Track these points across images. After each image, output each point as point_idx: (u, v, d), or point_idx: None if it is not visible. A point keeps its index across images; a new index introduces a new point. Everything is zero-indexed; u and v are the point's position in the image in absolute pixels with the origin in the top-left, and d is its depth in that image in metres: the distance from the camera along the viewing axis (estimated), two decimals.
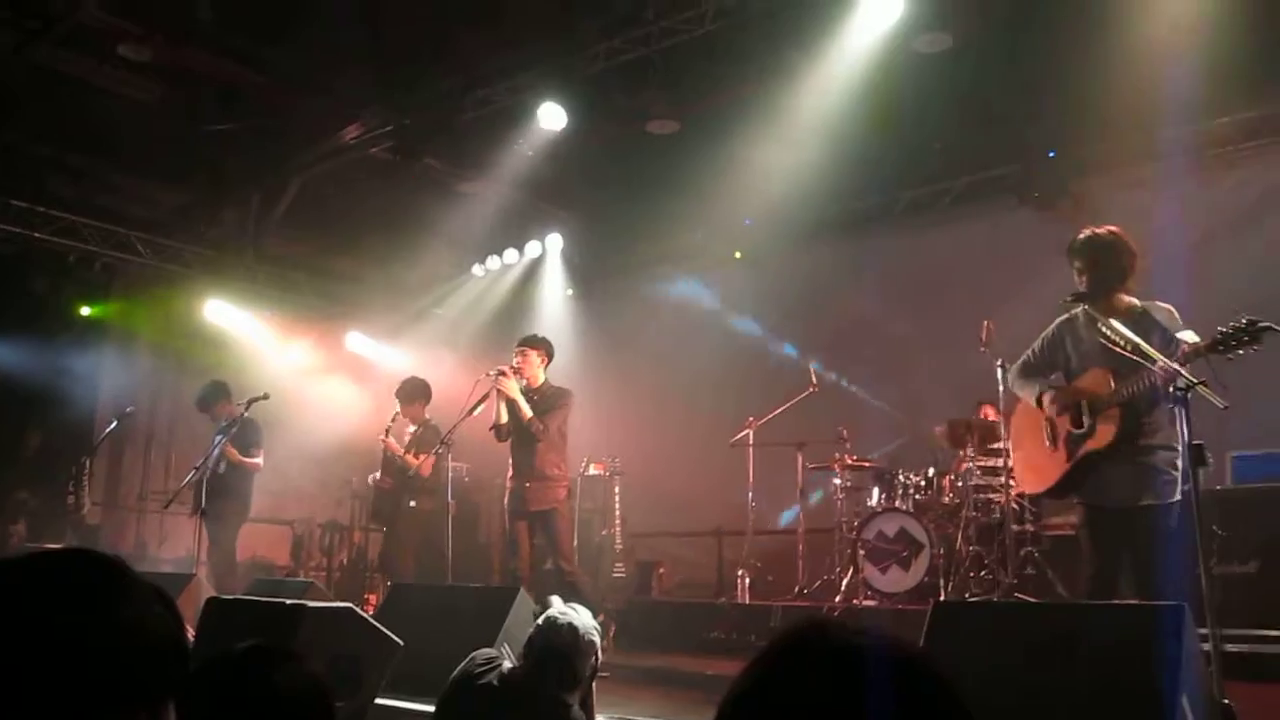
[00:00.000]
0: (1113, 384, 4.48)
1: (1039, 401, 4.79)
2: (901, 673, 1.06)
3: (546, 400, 7.19)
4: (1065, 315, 4.81)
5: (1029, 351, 4.98)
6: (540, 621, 3.48)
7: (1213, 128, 8.09)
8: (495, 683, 3.39)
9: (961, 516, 7.88)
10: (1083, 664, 3.41)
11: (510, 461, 7.25)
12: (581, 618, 3.49)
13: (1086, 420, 4.57)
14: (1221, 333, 3.96)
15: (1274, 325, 3.84)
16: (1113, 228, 4.65)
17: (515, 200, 10.95)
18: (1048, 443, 4.76)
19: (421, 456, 8.15)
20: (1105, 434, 4.50)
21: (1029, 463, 5.02)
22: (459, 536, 7.41)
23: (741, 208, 10.23)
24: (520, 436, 7.14)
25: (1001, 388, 6.71)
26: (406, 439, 8.56)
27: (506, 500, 7.25)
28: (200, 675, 1.99)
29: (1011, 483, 7.14)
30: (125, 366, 11.04)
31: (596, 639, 3.49)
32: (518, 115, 9.08)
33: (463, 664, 3.51)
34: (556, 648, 3.38)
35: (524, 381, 7.20)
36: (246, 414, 8.17)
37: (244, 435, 8.40)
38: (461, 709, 3.39)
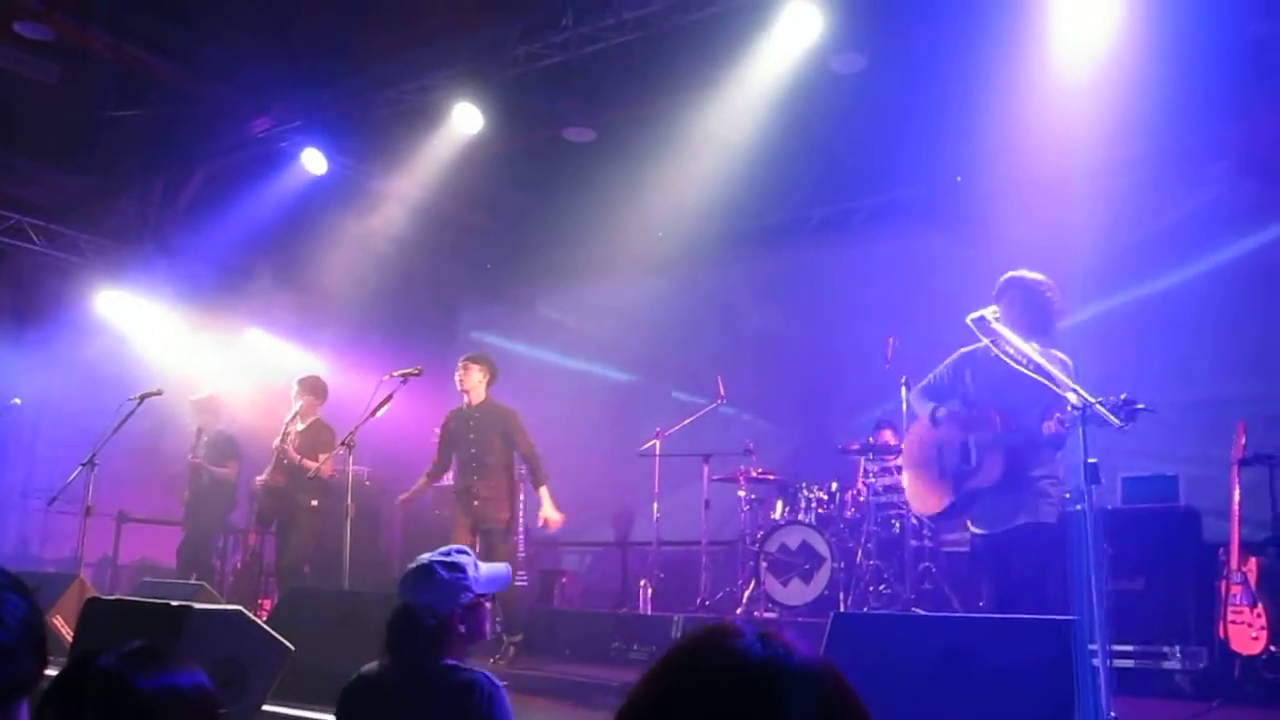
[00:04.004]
0: (999, 426, 4.69)
1: (934, 418, 5.00)
2: (803, 686, 1.03)
3: (491, 419, 7.44)
4: (968, 348, 4.95)
5: (933, 375, 5.16)
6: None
7: (1120, 156, 8.23)
8: (375, 677, 3.06)
9: (863, 531, 8.00)
10: (978, 677, 3.46)
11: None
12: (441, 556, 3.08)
13: (974, 457, 4.79)
14: (1100, 402, 4.04)
15: (1148, 407, 3.98)
16: (1047, 282, 4.79)
17: (428, 202, 10.77)
18: (937, 473, 4.97)
19: (321, 457, 7.84)
20: (990, 473, 4.73)
21: (919, 486, 5.20)
22: (358, 542, 7.24)
23: (654, 219, 10.22)
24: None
25: (905, 406, 6.83)
26: (294, 437, 8.19)
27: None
28: (62, 680, 1.85)
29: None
30: (11, 357, 10.58)
31: (447, 574, 3.04)
32: (431, 115, 8.94)
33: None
34: (412, 629, 3.01)
35: (466, 397, 7.50)
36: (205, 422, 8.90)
37: (219, 448, 8.93)
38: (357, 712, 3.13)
